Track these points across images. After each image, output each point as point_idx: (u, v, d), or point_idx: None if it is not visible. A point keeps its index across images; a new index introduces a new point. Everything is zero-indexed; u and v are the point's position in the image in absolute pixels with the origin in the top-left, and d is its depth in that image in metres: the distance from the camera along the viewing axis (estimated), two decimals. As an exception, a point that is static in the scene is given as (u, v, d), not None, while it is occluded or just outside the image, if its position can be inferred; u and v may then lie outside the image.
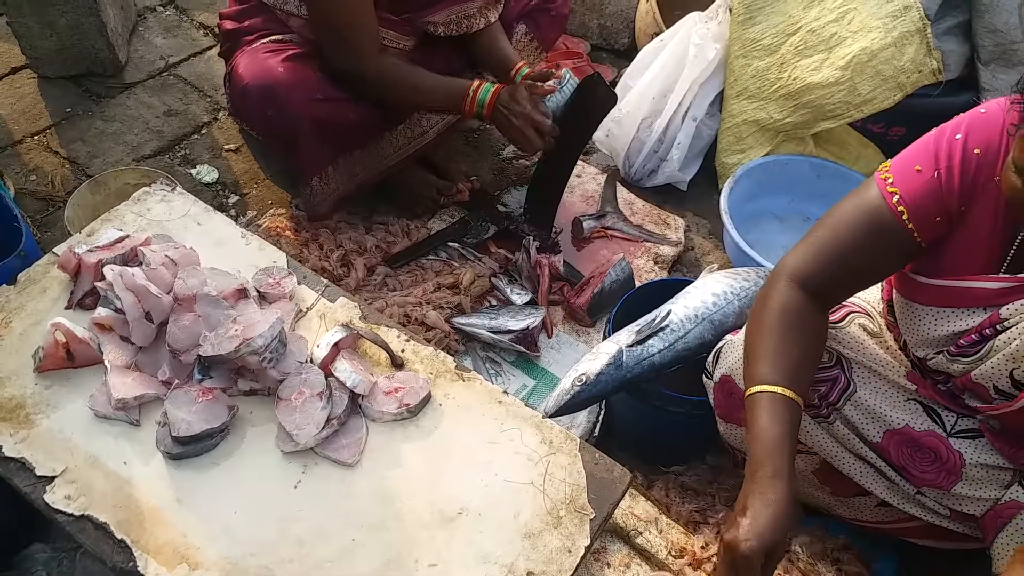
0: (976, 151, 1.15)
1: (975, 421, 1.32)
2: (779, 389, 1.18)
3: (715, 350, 1.51)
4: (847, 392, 1.36)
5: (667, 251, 2.25)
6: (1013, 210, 1.12)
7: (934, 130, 1.22)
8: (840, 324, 1.43)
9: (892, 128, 2.39)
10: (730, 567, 1.09)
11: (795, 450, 1.18)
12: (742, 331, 1.41)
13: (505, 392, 1.41)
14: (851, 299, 1.48)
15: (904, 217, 1.19)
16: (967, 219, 1.18)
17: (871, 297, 1.51)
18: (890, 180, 1.22)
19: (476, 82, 1.93)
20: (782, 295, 1.26)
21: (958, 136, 1.17)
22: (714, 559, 1.15)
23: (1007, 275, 1.18)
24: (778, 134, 2.36)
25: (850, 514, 1.54)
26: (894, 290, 1.35)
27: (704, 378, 1.53)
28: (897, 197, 1.20)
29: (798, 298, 1.26)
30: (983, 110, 1.18)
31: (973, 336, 1.21)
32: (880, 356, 1.38)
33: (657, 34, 2.54)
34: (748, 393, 1.21)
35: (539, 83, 1.93)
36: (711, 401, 1.52)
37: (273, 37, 1.96)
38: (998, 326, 1.18)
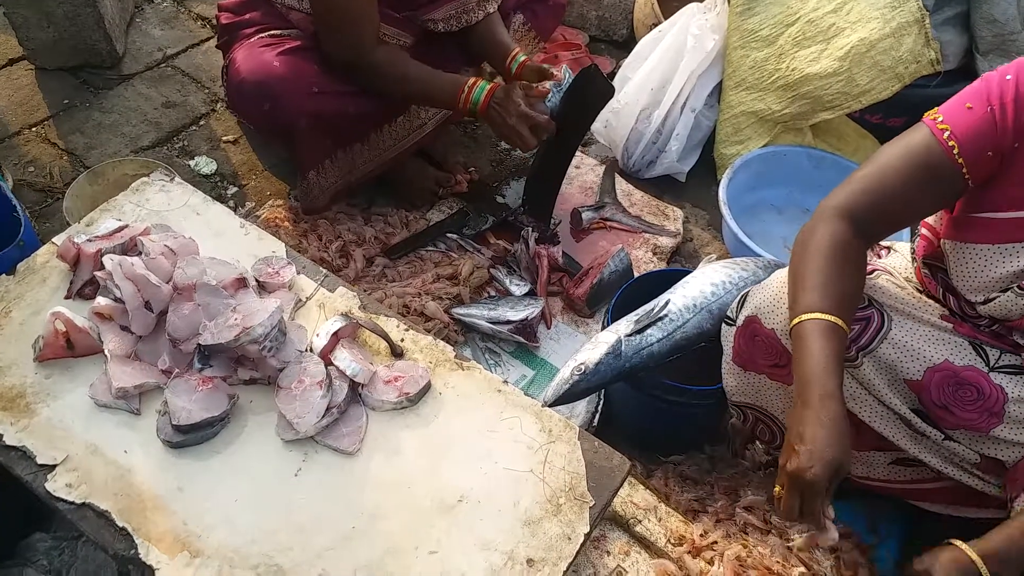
0: None
1: (1019, 358, 1.33)
2: (829, 317, 1.20)
3: (740, 296, 1.50)
4: (882, 331, 1.36)
5: (666, 242, 2.25)
6: None
7: (980, 77, 1.23)
8: (870, 276, 1.43)
9: (890, 119, 2.39)
10: (797, 495, 1.11)
11: (843, 373, 1.19)
12: (770, 277, 1.42)
13: (505, 382, 1.41)
14: (875, 261, 1.49)
15: (955, 152, 1.21)
16: (1019, 157, 1.19)
17: (895, 263, 1.51)
18: (940, 119, 1.23)
19: (472, 79, 1.93)
20: (829, 227, 1.27)
21: (1008, 77, 1.19)
22: (776, 490, 1.17)
23: None
24: (776, 125, 2.36)
25: (862, 471, 1.52)
26: (943, 240, 1.35)
27: (725, 325, 1.52)
28: (948, 133, 1.21)
29: (846, 230, 1.27)
30: None
31: None
32: (912, 300, 1.39)
33: (655, 25, 2.54)
34: (796, 321, 1.23)
35: (535, 85, 1.94)
36: (730, 351, 1.51)
37: (272, 31, 1.95)
38: None
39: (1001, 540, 1.16)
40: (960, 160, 1.21)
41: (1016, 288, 1.25)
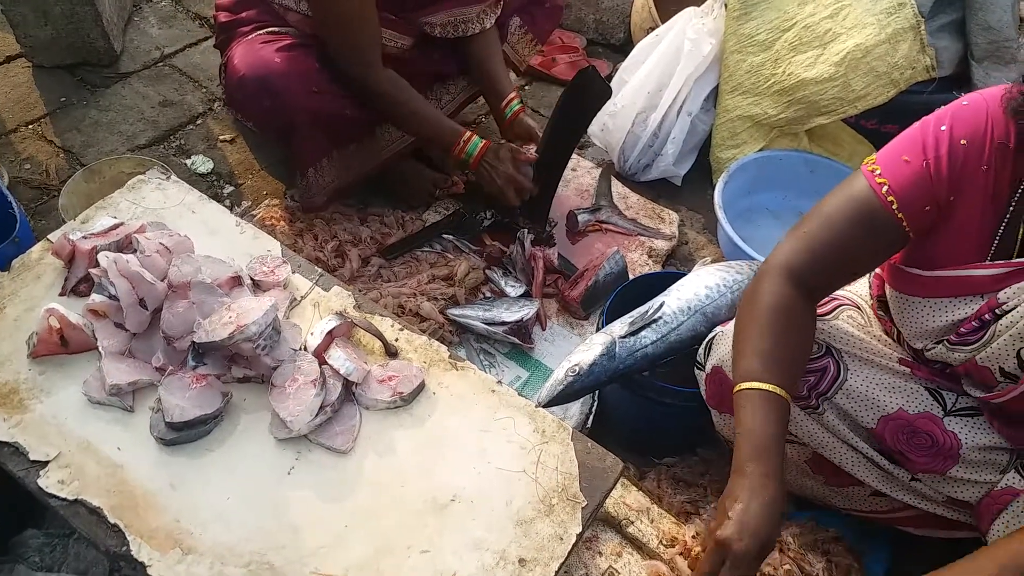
0: (963, 142, 1.16)
1: (974, 399, 1.33)
2: (768, 386, 1.19)
3: (707, 341, 1.52)
4: (838, 381, 1.37)
5: (661, 245, 2.25)
6: None
7: (917, 123, 1.23)
8: (828, 316, 1.44)
9: (886, 124, 2.40)
10: (718, 563, 1.09)
11: (784, 448, 1.18)
12: (732, 322, 1.42)
13: (499, 382, 1.41)
14: (839, 292, 1.49)
15: (894, 207, 1.20)
16: (956, 210, 1.19)
17: (860, 290, 1.51)
18: (877, 171, 1.23)
19: (468, 133, 2.02)
20: (772, 290, 1.27)
21: (943, 127, 1.18)
22: (697, 551, 1.15)
23: (1002, 261, 1.19)
24: (772, 129, 2.37)
25: (844, 504, 1.55)
26: (887, 285, 1.36)
27: (696, 369, 1.54)
28: (886, 187, 1.21)
29: (788, 293, 1.26)
30: (965, 102, 1.19)
31: (973, 323, 1.22)
32: (870, 344, 1.39)
33: (653, 29, 2.55)
34: (737, 389, 1.22)
35: (523, 149, 2.08)
36: (703, 392, 1.53)
37: (269, 29, 1.96)
38: (997, 310, 1.19)
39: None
40: (900, 215, 1.21)
41: (946, 342, 1.27)
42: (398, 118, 2.04)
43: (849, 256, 1.27)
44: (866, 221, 1.23)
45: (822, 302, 1.45)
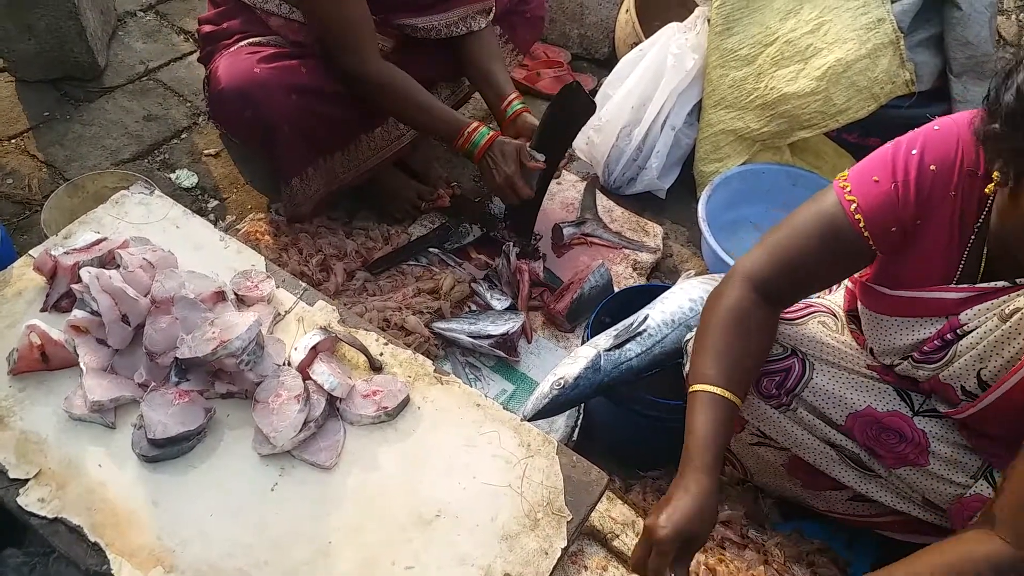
0: (932, 167, 1.18)
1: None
2: (717, 389, 1.24)
3: (685, 343, 1.53)
4: (804, 379, 1.39)
5: (645, 258, 2.26)
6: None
7: (890, 143, 1.25)
8: (797, 321, 1.45)
9: (867, 138, 2.43)
10: (645, 549, 1.16)
11: (725, 447, 1.25)
12: None
13: (484, 396, 1.41)
14: (814, 299, 1.52)
15: (861, 225, 1.23)
16: (923, 233, 1.22)
17: (836, 299, 1.53)
18: (848, 188, 1.25)
19: (474, 124, 1.97)
20: (732, 295, 1.31)
21: (914, 151, 1.20)
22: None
23: (967, 285, 1.21)
24: (755, 143, 2.39)
25: (823, 506, 1.56)
26: (858, 301, 1.38)
27: (683, 368, 1.55)
28: (855, 205, 1.23)
29: (748, 299, 1.30)
30: (937, 127, 1.21)
31: (936, 342, 1.25)
32: (839, 349, 1.42)
33: (636, 44, 2.57)
34: (690, 390, 1.27)
35: (531, 157, 2.01)
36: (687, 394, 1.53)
37: (252, 39, 1.96)
38: (959, 330, 1.22)
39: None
40: (867, 234, 1.23)
41: (911, 359, 1.29)
42: (401, 110, 2.01)
43: (812, 268, 1.29)
44: (833, 236, 1.25)
45: (793, 308, 1.48)
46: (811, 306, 1.50)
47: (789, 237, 1.29)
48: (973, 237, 1.20)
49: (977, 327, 1.20)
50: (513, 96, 2.12)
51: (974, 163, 1.16)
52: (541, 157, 2.03)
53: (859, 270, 1.33)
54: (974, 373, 1.21)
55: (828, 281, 1.38)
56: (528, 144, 2.03)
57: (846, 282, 1.49)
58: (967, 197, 1.18)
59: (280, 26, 1.95)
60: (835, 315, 1.49)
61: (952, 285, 1.22)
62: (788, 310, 1.45)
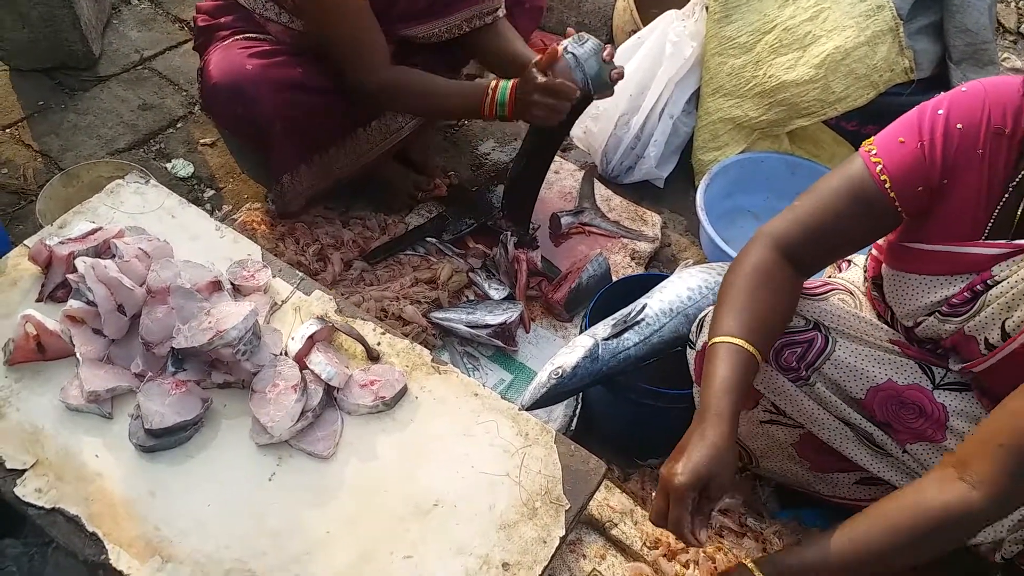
0: (959, 126, 1.19)
1: (962, 375, 1.35)
2: (738, 341, 1.23)
3: (698, 319, 1.52)
4: (825, 352, 1.38)
5: (644, 247, 2.26)
6: None
7: (915, 107, 1.25)
8: (819, 296, 1.45)
9: (866, 126, 2.42)
10: (663, 499, 1.14)
11: (743, 397, 1.23)
12: None
13: (482, 385, 1.41)
14: (834, 279, 1.51)
15: (887, 186, 1.23)
16: (949, 192, 1.22)
17: (854, 278, 1.53)
18: (874, 151, 1.25)
19: (493, 82, 1.86)
20: (758, 254, 1.30)
21: (940, 111, 1.21)
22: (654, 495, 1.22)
23: (1002, 241, 1.21)
24: (753, 132, 2.38)
25: (828, 491, 1.55)
26: (884, 265, 1.38)
27: (688, 349, 1.54)
28: (880, 167, 1.23)
29: (772, 258, 1.30)
30: (964, 88, 1.22)
31: (965, 294, 1.24)
32: (860, 324, 1.41)
33: (634, 32, 2.55)
34: (711, 343, 1.25)
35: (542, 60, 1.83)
36: (692, 373, 1.53)
37: (247, 35, 1.94)
38: (989, 281, 1.22)
39: (788, 555, 1.22)
40: (892, 195, 1.23)
41: (938, 313, 1.29)
42: (418, 105, 1.97)
43: (838, 231, 1.29)
44: (859, 198, 1.25)
45: (814, 285, 1.48)
46: (828, 284, 1.50)
47: (815, 200, 1.30)
48: (1007, 195, 1.19)
49: (1008, 277, 1.20)
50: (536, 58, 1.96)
51: (1001, 122, 1.17)
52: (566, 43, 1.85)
53: (884, 234, 1.33)
54: (999, 323, 1.21)
55: (853, 245, 1.37)
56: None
57: (871, 248, 1.49)
58: (994, 156, 1.18)
59: (278, 32, 1.93)
60: (852, 293, 1.49)
61: (993, 242, 1.22)
62: (808, 285, 1.45)
